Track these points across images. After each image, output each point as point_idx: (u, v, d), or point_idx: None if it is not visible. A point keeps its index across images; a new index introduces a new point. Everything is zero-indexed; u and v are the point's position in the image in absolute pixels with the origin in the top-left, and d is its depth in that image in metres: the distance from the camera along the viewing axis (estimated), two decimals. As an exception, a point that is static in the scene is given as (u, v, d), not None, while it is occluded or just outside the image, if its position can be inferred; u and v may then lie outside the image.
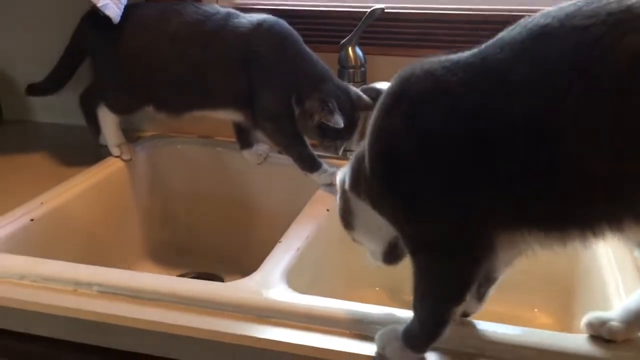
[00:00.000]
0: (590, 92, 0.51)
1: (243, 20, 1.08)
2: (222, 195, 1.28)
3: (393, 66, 1.16)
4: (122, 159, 1.21)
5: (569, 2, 0.55)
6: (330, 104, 1.01)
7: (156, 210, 1.29)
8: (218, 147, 1.28)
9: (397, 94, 0.61)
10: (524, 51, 0.54)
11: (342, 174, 0.73)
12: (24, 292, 0.79)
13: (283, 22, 1.08)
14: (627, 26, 0.50)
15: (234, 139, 1.23)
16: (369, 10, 1.10)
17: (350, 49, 1.15)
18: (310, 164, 1.09)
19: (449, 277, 0.61)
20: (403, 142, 0.60)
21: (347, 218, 0.72)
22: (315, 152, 1.10)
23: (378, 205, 0.65)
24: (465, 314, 0.70)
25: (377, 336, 0.67)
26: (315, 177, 1.09)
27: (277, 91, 1.06)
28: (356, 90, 1.07)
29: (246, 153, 1.21)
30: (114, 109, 1.18)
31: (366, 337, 0.69)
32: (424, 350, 0.65)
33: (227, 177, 1.28)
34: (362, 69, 1.15)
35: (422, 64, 0.61)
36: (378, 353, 0.66)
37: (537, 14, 0.56)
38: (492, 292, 0.70)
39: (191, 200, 1.30)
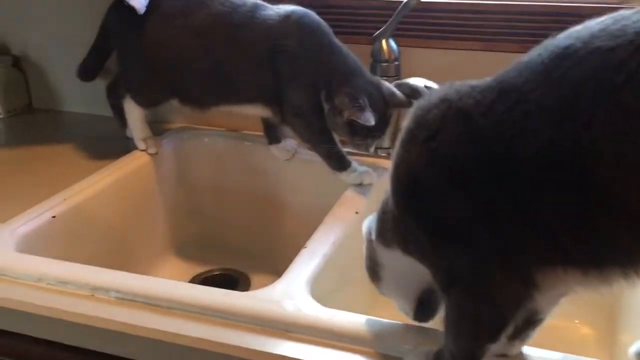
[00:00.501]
0: (616, 120, 0.45)
1: (270, 12, 1.03)
2: (249, 191, 1.25)
3: (428, 59, 1.13)
4: (147, 153, 1.19)
5: (597, 20, 0.50)
6: (361, 100, 0.96)
7: (182, 204, 1.26)
8: (246, 141, 1.25)
9: (414, 125, 0.57)
10: (544, 73, 0.50)
11: (367, 224, 0.69)
12: (40, 295, 0.77)
13: (312, 14, 1.03)
14: None
15: (262, 133, 1.19)
16: (404, 0, 1.04)
17: (384, 42, 1.09)
18: (339, 163, 1.04)
19: (483, 314, 0.56)
20: (426, 172, 0.56)
21: (374, 269, 0.69)
22: (345, 150, 1.06)
23: (406, 243, 0.61)
24: (503, 355, 0.64)
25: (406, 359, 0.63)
26: (344, 176, 1.04)
27: (305, 86, 1.01)
28: (389, 85, 1.02)
29: (274, 148, 1.17)
30: (139, 101, 1.16)
31: (394, 358, 0.65)
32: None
33: (254, 172, 1.24)
34: (396, 62, 1.10)
35: (435, 91, 0.58)
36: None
37: (561, 35, 0.51)
38: (536, 333, 0.64)
39: (218, 194, 1.27)
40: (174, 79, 1.10)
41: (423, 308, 0.68)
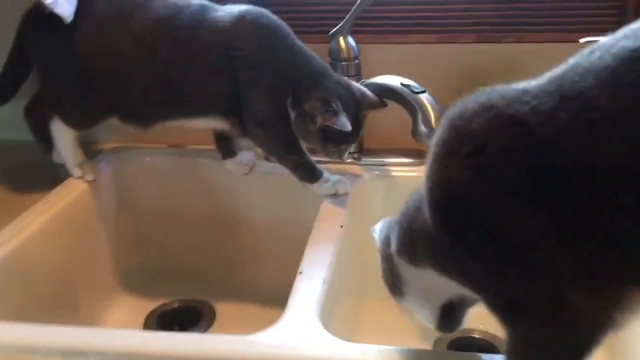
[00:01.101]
0: None
1: (221, 13, 0.93)
2: (201, 211, 1.14)
3: (387, 55, 1.07)
4: (85, 180, 1.05)
5: None
6: (334, 105, 0.88)
7: (128, 233, 1.13)
8: (193, 157, 1.14)
9: (452, 137, 0.51)
10: (612, 78, 0.44)
11: (380, 233, 0.64)
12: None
13: (269, 13, 0.94)
14: None
15: (211, 147, 1.09)
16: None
17: (341, 39, 1.02)
18: (310, 174, 0.96)
19: (561, 344, 0.50)
20: (473, 190, 0.49)
21: (395, 284, 0.63)
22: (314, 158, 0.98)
23: (446, 266, 0.55)
24: None
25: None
26: (316, 187, 0.96)
27: (269, 93, 0.92)
28: (359, 86, 0.95)
29: (229, 163, 1.07)
30: (70, 123, 1.01)
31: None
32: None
33: (206, 190, 1.13)
34: (356, 60, 1.03)
35: (473, 98, 0.51)
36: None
37: (618, 35, 0.46)
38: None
39: (166, 219, 1.14)
40: (113, 94, 0.97)
41: (447, 318, 0.62)
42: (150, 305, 1.10)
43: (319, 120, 0.89)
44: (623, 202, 0.44)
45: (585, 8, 1.04)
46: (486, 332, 0.92)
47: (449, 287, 0.56)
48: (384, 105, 0.95)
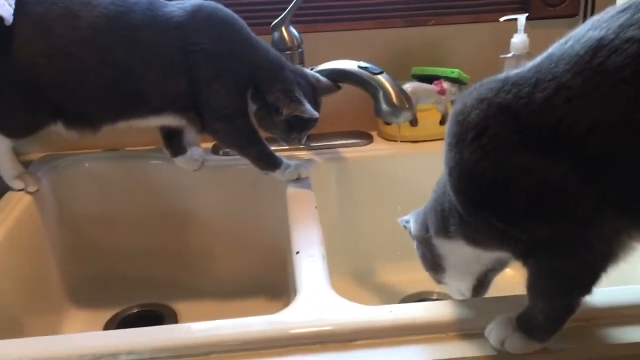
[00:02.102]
0: None
1: (173, 9, 0.92)
2: (147, 213, 1.11)
3: (329, 43, 1.11)
4: (27, 192, 0.98)
5: (617, 9, 0.55)
6: (297, 94, 0.91)
7: (73, 243, 1.08)
8: (135, 158, 1.11)
9: (458, 128, 0.60)
10: (582, 63, 0.54)
11: (415, 220, 0.74)
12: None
13: (222, 7, 0.94)
14: None
15: (149, 147, 1.07)
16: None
17: (284, 30, 1.05)
18: (272, 162, 0.98)
19: (576, 274, 0.58)
20: (484, 164, 0.58)
21: (436, 263, 0.72)
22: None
23: (475, 235, 0.63)
24: None
25: (488, 331, 0.63)
26: (278, 174, 0.98)
27: (229, 87, 0.92)
28: (312, 73, 0.98)
29: (180, 160, 1.06)
30: (8, 132, 0.95)
31: (472, 335, 0.64)
32: (549, 339, 0.61)
33: (150, 191, 1.11)
34: (300, 49, 1.06)
35: (467, 94, 0.61)
36: (495, 347, 0.62)
37: (587, 24, 0.57)
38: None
39: (112, 224, 1.11)
40: (59, 98, 0.92)
41: (479, 287, 0.72)
42: (107, 314, 1.06)
43: (286, 111, 0.91)
44: (596, 153, 0.54)
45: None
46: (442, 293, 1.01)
47: (481, 258, 0.67)
48: (339, 88, 0.99)
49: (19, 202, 0.97)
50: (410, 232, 0.76)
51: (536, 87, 0.56)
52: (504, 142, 0.57)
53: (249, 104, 0.94)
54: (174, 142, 1.05)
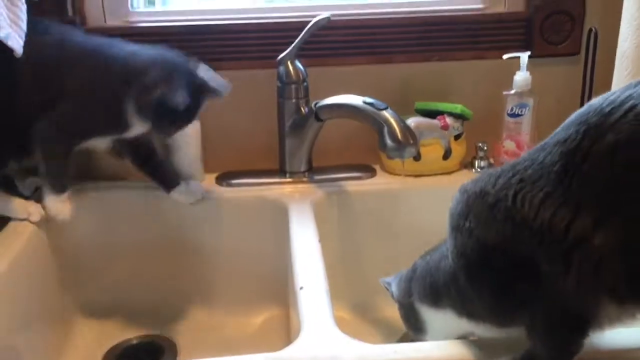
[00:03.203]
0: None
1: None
2: (150, 244, 1.11)
3: (333, 77, 1.12)
4: (30, 221, 0.98)
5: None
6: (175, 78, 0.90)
7: (73, 273, 1.07)
8: (139, 189, 1.10)
9: (452, 219, 0.65)
10: (532, 153, 0.60)
11: (397, 284, 0.79)
12: None
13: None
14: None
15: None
16: (312, 20, 1.02)
17: (289, 63, 1.06)
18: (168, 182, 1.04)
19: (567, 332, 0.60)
20: (473, 245, 0.62)
21: (418, 327, 0.76)
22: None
23: (469, 310, 0.67)
24: None
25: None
26: (176, 196, 1.04)
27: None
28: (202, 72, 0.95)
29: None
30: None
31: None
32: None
33: (153, 222, 1.11)
34: (305, 83, 1.07)
35: (458, 191, 0.66)
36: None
37: (557, 129, 0.60)
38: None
39: (114, 255, 1.10)
40: None
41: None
42: (107, 344, 1.05)
43: (157, 92, 0.88)
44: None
45: (497, 28, 1.17)
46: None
47: (465, 325, 0.69)
48: (220, 95, 0.95)
49: (23, 231, 0.97)
50: (392, 295, 0.80)
51: (502, 173, 0.62)
52: (484, 220, 0.62)
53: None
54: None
